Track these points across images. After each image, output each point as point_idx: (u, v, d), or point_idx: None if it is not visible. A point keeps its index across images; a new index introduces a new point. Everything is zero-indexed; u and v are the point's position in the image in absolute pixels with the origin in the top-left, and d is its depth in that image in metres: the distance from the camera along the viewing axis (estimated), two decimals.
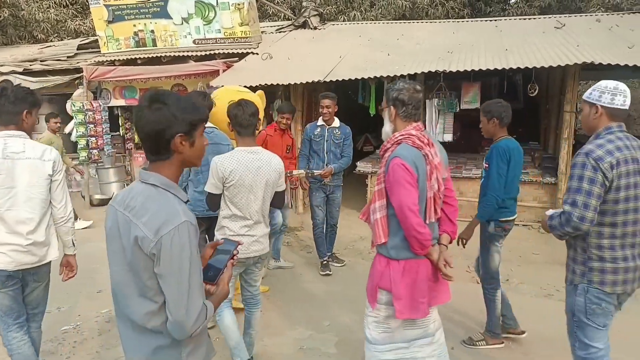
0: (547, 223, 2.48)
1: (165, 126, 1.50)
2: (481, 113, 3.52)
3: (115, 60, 8.72)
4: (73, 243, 2.92)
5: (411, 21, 10.03)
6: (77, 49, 9.95)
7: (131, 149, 9.26)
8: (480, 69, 6.02)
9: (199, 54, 8.35)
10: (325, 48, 8.08)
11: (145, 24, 8.51)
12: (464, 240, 3.46)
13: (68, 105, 8.16)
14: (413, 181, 2.31)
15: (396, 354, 2.53)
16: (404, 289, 2.41)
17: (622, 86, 2.33)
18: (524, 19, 9.11)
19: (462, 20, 9.89)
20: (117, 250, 1.56)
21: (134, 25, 8.57)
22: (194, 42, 8.45)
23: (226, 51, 8.23)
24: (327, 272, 5.05)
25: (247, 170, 2.89)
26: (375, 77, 6.41)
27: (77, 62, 9.03)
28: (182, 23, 8.37)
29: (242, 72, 7.32)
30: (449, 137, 6.88)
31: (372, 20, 11.92)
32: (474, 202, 5.72)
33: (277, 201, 3.15)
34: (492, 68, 5.99)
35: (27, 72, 9.04)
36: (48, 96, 9.67)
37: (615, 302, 2.41)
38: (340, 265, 5.27)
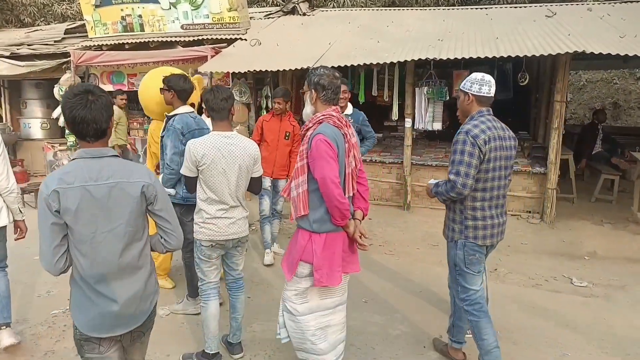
0: (431, 190, 3.03)
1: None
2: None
3: (102, 45, 8.58)
4: (20, 210, 3.44)
5: (401, 8, 9.93)
6: (65, 34, 9.78)
7: None
8: (470, 57, 5.98)
9: (187, 39, 8.23)
10: (314, 34, 7.99)
11: (132, 9, 8.37)
12: None
13: (56, 90, 8.05)
14: (334, 156, 2.56)
15: (316, 321, 2.77)
16: (324, 260, 2.64)
17: (487, 77, 2.89)
18: (515, 7, 9.03)
19: (453, 7, 9.80)
20: (109, 215, 1.96)
21: (122, 10, 8.42)
22: (182, 27, 8.32)
23: (214, 37, 8.11)
24: None
25: (220, 154, 2.94)
26: (364, 64, 6.34)
27: (65, 47, 8.89)
28: (170, 8, 8.23)
29: (230, 57, 7.24)
30: (438, 126, 6.86)
31: (362, 6, 11.78)
32: None
33: (254, 187, 3.18)
34: (482, 56, 5.95)
35: (14, 56, 8.89)
36: (35, 81, 9.57)
37: (484, 253, 2.99)
38: None
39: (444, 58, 6.02)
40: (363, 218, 2.84)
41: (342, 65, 6.31)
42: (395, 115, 7.14)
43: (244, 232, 3.14)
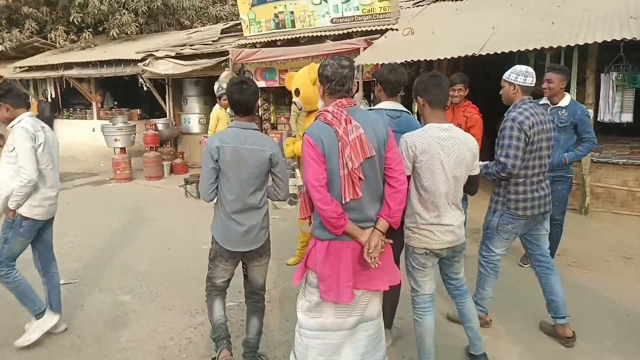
0: (483, 171, 3.24)
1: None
2: None
3: (256, 42, 8.92)
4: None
5: None
6: (221, 33, 10.41)
7: (267, 129, 9.52)
8: None
9: (336, 33, 8.17)
10: (472, 20, 7.40)
11: (285, 5, 8.54)
12: None
13: (216, 87, 8.55)
14: (317, 157, 2.29)
15: (321, 343, 2.45)
16: (328, 270, 2.37)
17: (530, 70, 3.27)
18: None
19: None
20: (247, 169, 2.80)
21: (275, 7, 8.65)
22: (331, 21, 8.29)
23: (364, 29, 7.93)
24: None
25: (441, 149, 2.65)
26: (542, 47, 5.61)
27: (222, 46, 9.43)
28: (321, 2, 8.23)
29: (383, 49, 7.00)
30: (628, 117, 5.90)
31: None
32: None
33: (470, 187, 2.86)
34: None
35: (179, 56, 9.67)
36: (195, 79, 10.34)
37: (523, 222, 3.30)
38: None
39: None
40: (391, 228, 2.42)
41: (515, 50, 5.70)
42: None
43: (461, 239, 2.83)
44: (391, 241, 2.47)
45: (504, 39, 6.16)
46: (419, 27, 7.45)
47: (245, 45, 8.91)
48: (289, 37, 8.56)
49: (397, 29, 7.57)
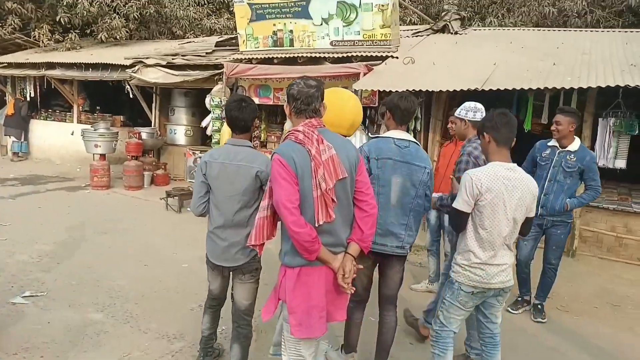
0: (437, 203, 3.27)
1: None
2: None
3: (252, 58, 8.75)
4: None
5: (567, 29, 8.98)
6: (215, 46, 10.23)
7: (257, 146, 9.29)
8: None
9: (335, 55, 8.09)
10: (472, 54, 7.42)
11: (285, 24, 8.44)
12: None
13: (207, 100, 8.33)
14: (289, 177, 2.19)
15: None
16: (298, 300, 2.26)
17: (479, 105, 3.64)
18: None
19: (629, 30, 8.64)
20: (232, 185, 2.80)
21: (274, 25, 8.52)
22: (330, 43, 8.20)
23: (363, 54, 7.87)
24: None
25: (505, 189, 2.59)
26: (545, 88, 5.60)
27: (217, 59, 9.24)
28: (322, 24, 8.16)
29: (383, 75, 6.91)
30: (622, 164, 5.90)
31: (511, 26, 10.97)
32: None
33: (524, 228, 2.77)
34: None
35: (170, 66, 9.42)
36: (185, 90, 10.07)
37: None
38: (534, 319, 4.40)
39: None
40: (362, 253, 2.42)
41: (518, 88, 5.67)
42: None
43: (510, 280, 2.76)
44: (362, 267, 2.47)
45: (506, 75, 6.14)
46: (419, 56, 7.41)
47: (240, 61, 8.73)
48: (287, 55, 8.43)
49: (397, 57, 7.52)
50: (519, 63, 6.61)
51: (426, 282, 4.87)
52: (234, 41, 10.32)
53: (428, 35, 9.00)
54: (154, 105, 10.73)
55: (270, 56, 8.60)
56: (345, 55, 7.99)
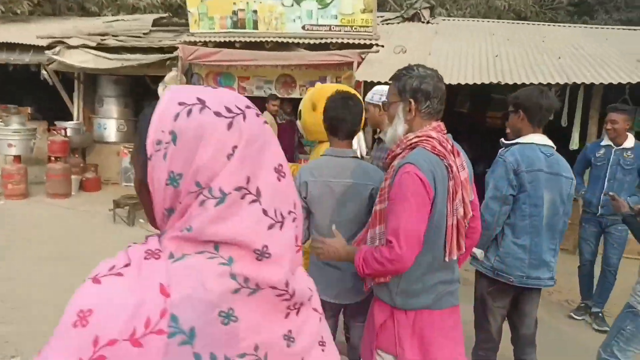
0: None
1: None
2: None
3: (208, 41, 7.53)
4: None
5: (542, 23, 8.95)
6: (152, 26, 8.75)
7: None
8: None
9: (309, 41, 7.20)
10: (463, 45, 6.95)
11: (247, 3, 7.33)
12: None
13: (160, 90, 6.97)
14: (423, 199, 1.68)
15: None
16: (414, 352, 1.77)
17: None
18: None
19: (607, 27, 8.80)
20: (340, 210, 2.16)
21: (234, 3, 7.38)
22: (303, 27, 7.29)
23: (342, 40, 7.09)
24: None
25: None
26: (557, 83, 5.30)
27: (160, 41, 7.86)
28: (293, 5, 7.20)
29: (376, 65, 6.19)
30: None
31: (474, 17, 10.87)
32: None
33: None
34: None
35: (101, 48, 7.84)
36: (116, 76, 8.51)
37: None
38: (599, 328, 4.03)
39: None
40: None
41: (537, 82, 5.27)
42: (575, 144, 6.06)
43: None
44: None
45: (517, 70, 5.74)
46: (407, 46, 6.79)
47: (194, 43, 7.46)
48: (251, 39, 7.35)
49: (382, 45, 6.84)
50: (519, 55, 6.26)
51: None
52: (175, 20, 8.96)
53: (398, 23, 8.43)
54: (75, 94, 8.95)
55: (230, 40, 7.45)
56: (320, 41, 7.13)
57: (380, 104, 2.65)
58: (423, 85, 1.80)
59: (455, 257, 1.81)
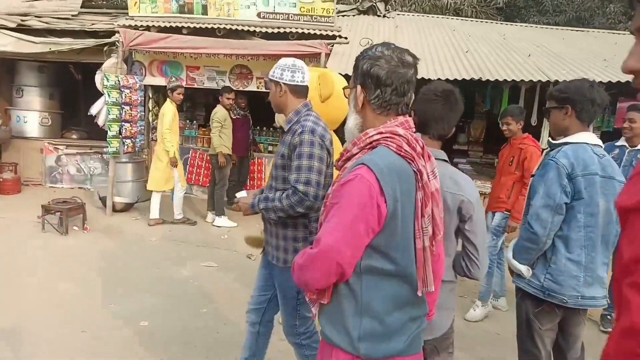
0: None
1: None
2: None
3: (151, 26, 6.75)
4: None
5: (492, 21, 9.01)
6: (81, 7, 7.76)
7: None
8: None
9: (264, 30, 6.66)
10: (429, 40, 6.76)
11: None
12: None
13: (98, 79, 6.10)
14: (372, 213, 1.29)
15: None
16: None
17: (299, 62, 2.27)
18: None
19: (555, 27, 9.00)
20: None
21: None
22: (258, 15, 6.75)
23: (300, 30, 6.62)
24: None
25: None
26: (556, 80, 5.19)
27: (93, 24, 6.95)
28: None
29: (345, 58, 5.81)
30: None
31: (427, 14, 10.82)
32: None
33: None
34: None
35: (22, 29, 6.79)
36: (40, 63, 7.46)
37: None
38: (605, 330, 3.89)
39: None
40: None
41: (509, 80, 5.15)
42: (545, 143, 6.05)
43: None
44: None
45: (488, 65, 5.60)
46: (373, 39, 6.48)
47: (135, 28, 6.64)
48: (200, 25, 6.68)
49: (346, 37, 6.45)
50: (488, 52, 6.15)
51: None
52: (106, 2, 8.03)
53: (354, 15, 8.11)
54: None
55: (177, 25, 6.73)
56: (277, 30, 6.62)
57: (281, 81, 2.21)
58: (373, 69, 1.39)
59: (431, 288, 1.43)
